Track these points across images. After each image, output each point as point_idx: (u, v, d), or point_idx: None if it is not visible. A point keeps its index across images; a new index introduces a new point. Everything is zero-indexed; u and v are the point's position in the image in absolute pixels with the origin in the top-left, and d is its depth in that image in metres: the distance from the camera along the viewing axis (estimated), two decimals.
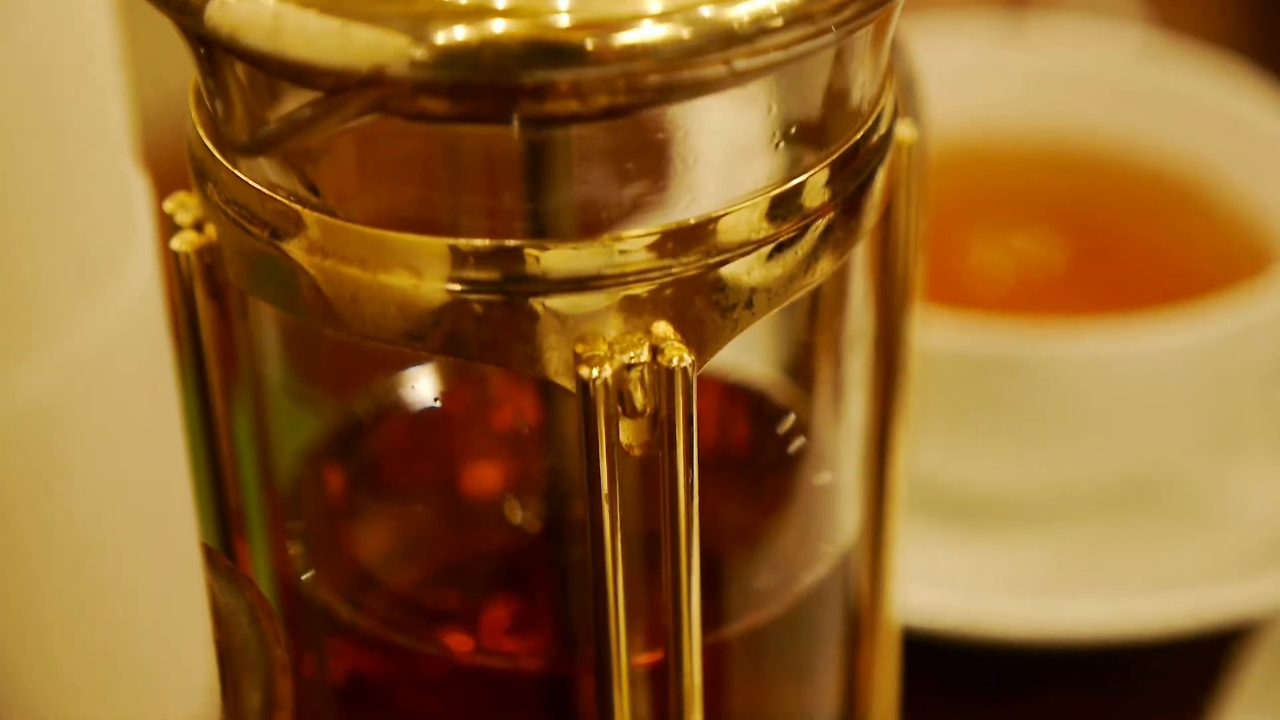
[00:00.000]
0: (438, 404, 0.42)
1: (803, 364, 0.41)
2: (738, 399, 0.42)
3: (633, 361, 0.32)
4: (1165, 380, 0.51)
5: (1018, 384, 0.50)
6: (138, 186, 0.27)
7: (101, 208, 0.25)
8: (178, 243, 0.34)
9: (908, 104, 0.38)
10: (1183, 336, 0.51)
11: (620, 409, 0.32)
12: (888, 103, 0.35)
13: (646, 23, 0.29)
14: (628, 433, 0.32)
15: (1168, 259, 0.57)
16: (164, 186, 0.32)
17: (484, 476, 0.42)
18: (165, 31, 0.32)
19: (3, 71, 0.23)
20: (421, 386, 0.41)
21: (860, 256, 0.38)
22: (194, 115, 0.34)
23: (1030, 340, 0.50)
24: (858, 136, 0.34)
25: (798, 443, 0.42)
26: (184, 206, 0.34)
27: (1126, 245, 0.57)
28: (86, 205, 0.25)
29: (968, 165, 0.59)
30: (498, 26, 0.29)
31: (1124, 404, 0.52)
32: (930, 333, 0.48)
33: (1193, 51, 0.63)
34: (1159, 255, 0.57)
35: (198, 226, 0.34)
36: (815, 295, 0.39)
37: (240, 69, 0.31)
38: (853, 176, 0.34)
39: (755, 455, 0.43)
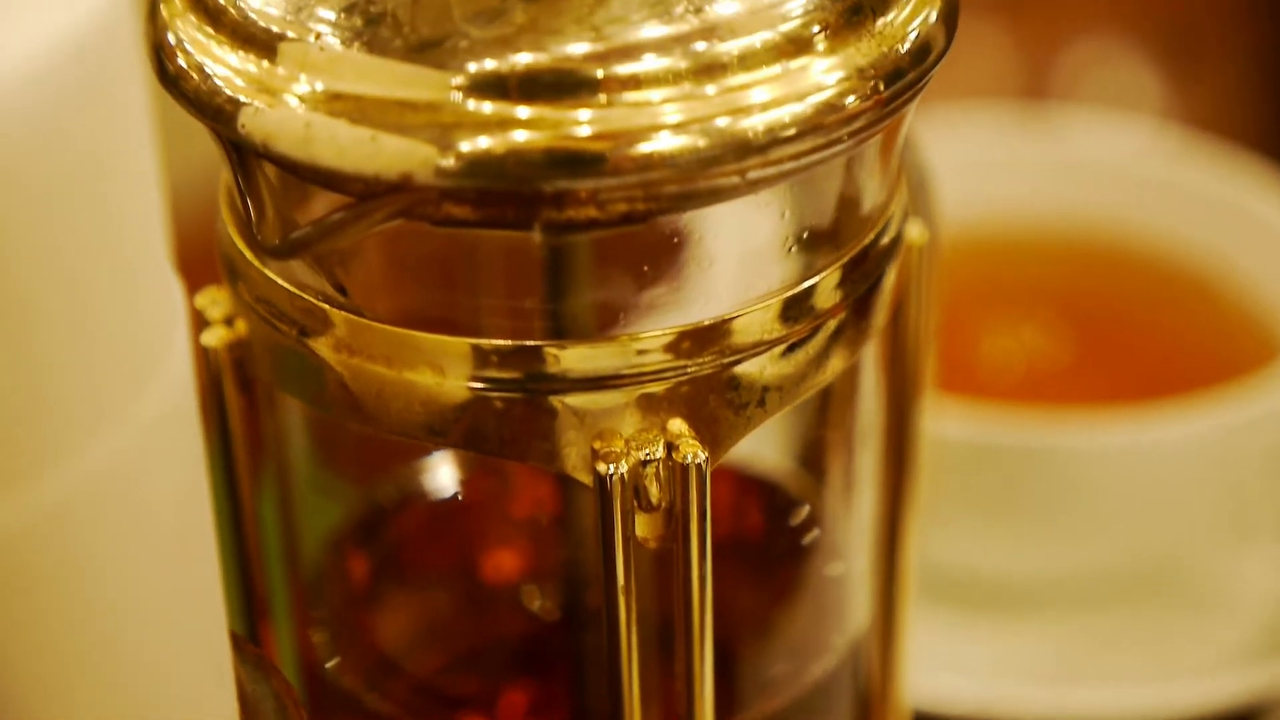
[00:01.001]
0: (458, 493, 0.43)
1: (815, 455, 0.42)
2: (751, 490, 0.43)
3: (648, 458, 0.33)
4: (1173, 470, 0.52)
5: (1028, 473, 0.51)
6: (176, 292, 0.28)
7: (144, 314, 0.26)
8: (208, 338, 0.35)
9: (919, 200, 0.39)
10: (1190, 427, 0.52)
11: (636, 503, 0.33)
12: (898, 205, 0.36)
13: (664, 134, 0.30)
14: (643, 526, 0.33)
15: (1176, 349, 0.58)
16: (188, 261, 0.33)
17: (503, 564, 0.43)
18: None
19: (50, 188, 0.24)
20: (443, 476, 0.42)
21: (872, 352, 0.39)
22: (225, 214, 0.35)
23: (1040, 430, 0.51)
24: (868, 240, 0.35)
25: (810, 534, 0.43)
26: (214, 302, 0.36)
27: (1135, 335, 0.58)
28: (130, 312, 0.26)
29: (980, 254, 0.60)
30: (520, 137, 0.30)
31: (1133, 493, 0.52)
32: (942, 421, 0.49)
33: (1202, 143, 0.64)
34: (1167, 345, 0.58)
35: (228, 321, 0.35)
36: (827, 390, 0.40)
37: (272, 173, 0.32)
38: (863, 278, 0.35)
39: (768, 546, 0.44)
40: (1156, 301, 0.59)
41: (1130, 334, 0.59)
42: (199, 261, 0.36)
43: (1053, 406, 0.53)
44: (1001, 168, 0.61)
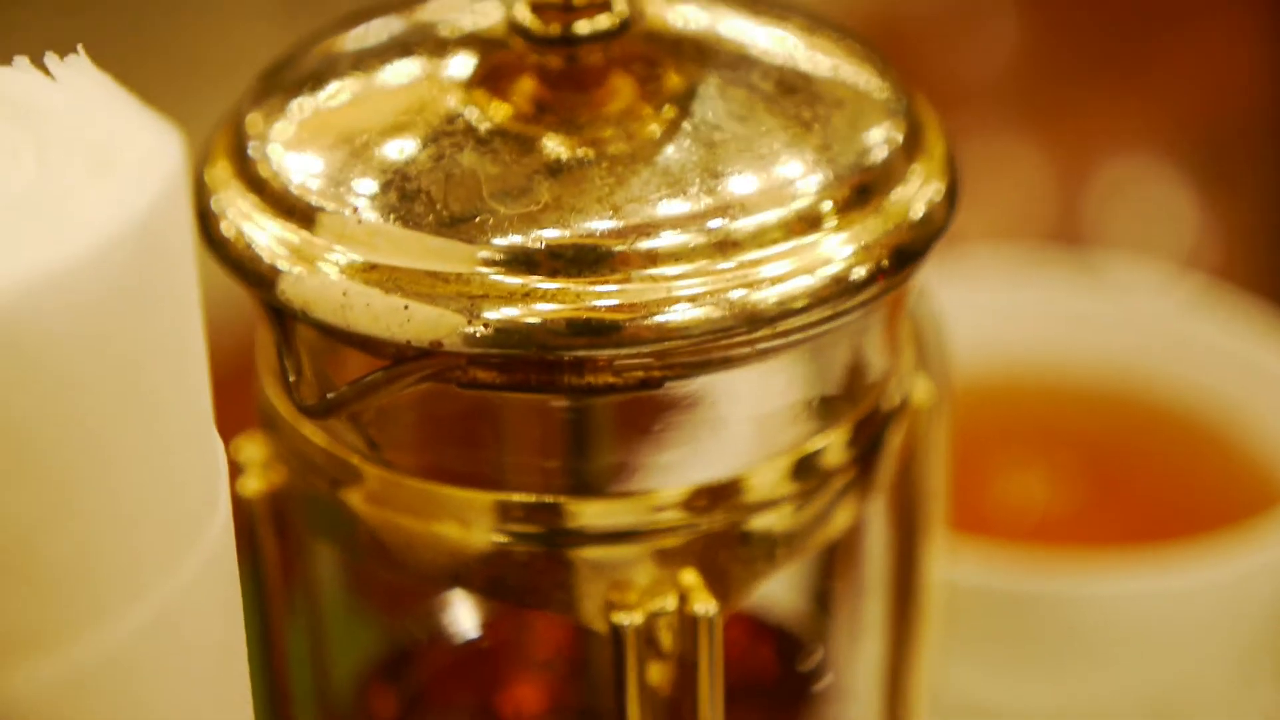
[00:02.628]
0: (482, 634, 0.44)
1: (826, 599, 0.44)
2: (763, 634, 0.44)
3: (661, 610, 0.34)
4: (1182, 616, 0.53)
5: (1038, 617, 0.52)
6: (219, 455, 0.30)
7: (189, 478, 0.28)
8: (245, 486, 0.37)
9: (931, 351, 0.41)
10: (1199, 574, 0.53)
11: (650, 652, 0.34)
12: (905, 365, 0.38)
13: (680, 306, 0.32)
14: (656, 673, 0.35)
15: (1186, 494, 0.59)
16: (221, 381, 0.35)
17: (523, 704, 0.44)
18: None
19: (106, 362, 0.26)
20: (467, 616, 0.44)
21: (880, 504, 0.41)
22: (262, 370, 0.37)
23: (1050, 576, 0.52)
24: (875, 401, 0.36)
25: (821, 678, 0.44)
26: (250, 452, 0.37)
27: (1147, 480, 0.60)
28: (175, 478, 0.28)
29: (996, 396, 0.61)
30: (543, 308, 0.32)
31: (1141, 637, 0.53)
32: (955, 565, 0.51)
33: (1215, 291, 0.66)
34: (1178, 490, 0.59)
35: (264, 470, 0.37)
36: (837, 540, 0.41)
37: (309, 336, 0.34)
38: (870, 438, 0.36)
39: (780, 690, 0.45)
40: (1168, 447, 0.60)
41: (1142, 479, 0.60)
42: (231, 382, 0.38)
43: (1065, 549, 0.54)
44: (1018, 312, 0.63)
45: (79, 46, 0.30)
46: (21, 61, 0.30)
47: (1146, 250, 0.84)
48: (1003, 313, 0.63)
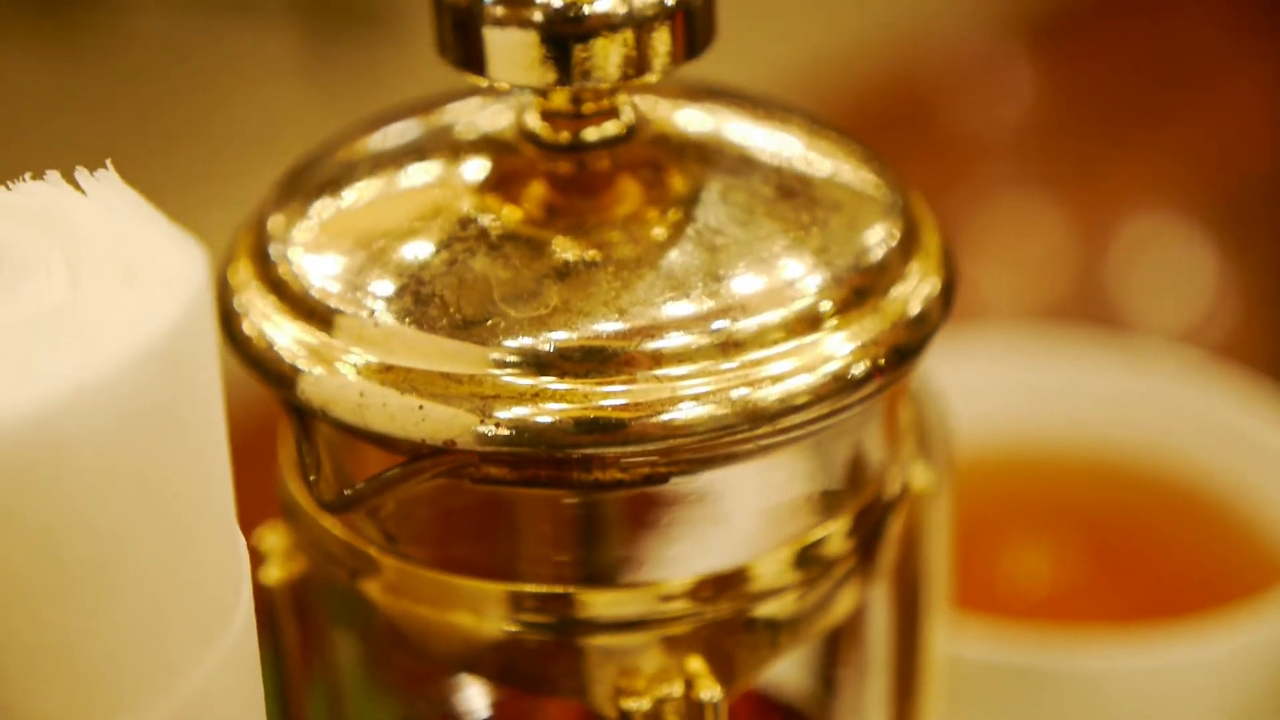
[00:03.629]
0: (494, 717, 0.45)
1: (831, 680, 0.45)
2: (770, 712, 0.45)
3: (669, 696, 0.35)
4: (1185, 691, 0.54)
5: (1043, 692, 0.53)
6: (242, 553, 0.31)
7: (211, 577, 0.29)
8: (266, 575, 0.38)
9: (932, 433, 0.42)
10: (1203, 650, 0.54)
11: None
12: (905, 453, 0.39)
13: (684, 404, 0.33)
14: None
15: (1190, 569, 0.60)
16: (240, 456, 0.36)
17: None
18: None
19: (135, 471, 0.27)
20: (480, 701, 0.45)
21: (883, 588, 0.42)
22: (284, 464, 0.38)
23: (1054, 652, 0.53)
24: (875, 491, 0.38)
25: None
26: (272, 541, 0.39)
27: (1151, 555, 0.61)
28: (199, 577, 0.29)
29: (1001, 472, 0.62)
30: (552, 407, 0.33)
31: (1146, 714, 0.54)
32: (960, 640, 0.52)
33: (1221, 366, 0.67)
34: (1182, 565, 0.60)
35: (285, 560, 0.38)
36: (840, 625, 0.42)
37: (328, 433, 0.35)
38: (872, 526, 0.38)
39: None
40: (1173, 523, 0.61)
41: (1147, 554, 0.61)
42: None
43: (1070, 625, 0.55)
44: (1024, 387, 0.64)
45: (108, 161, 0.31)
46: (54, 175, 0.31)
47: (1163, 310, 0.85)
48: (1009, 388, 0.64)
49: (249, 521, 0.33)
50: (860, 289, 0.35)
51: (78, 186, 0.31)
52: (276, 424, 0.38)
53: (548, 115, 0.36)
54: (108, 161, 0.31)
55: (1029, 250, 0.90)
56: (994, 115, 1.05)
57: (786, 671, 0.44)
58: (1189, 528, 0.61)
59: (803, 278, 0.34)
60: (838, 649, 0.43)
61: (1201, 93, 1.03)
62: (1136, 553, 0.61)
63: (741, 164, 0.36)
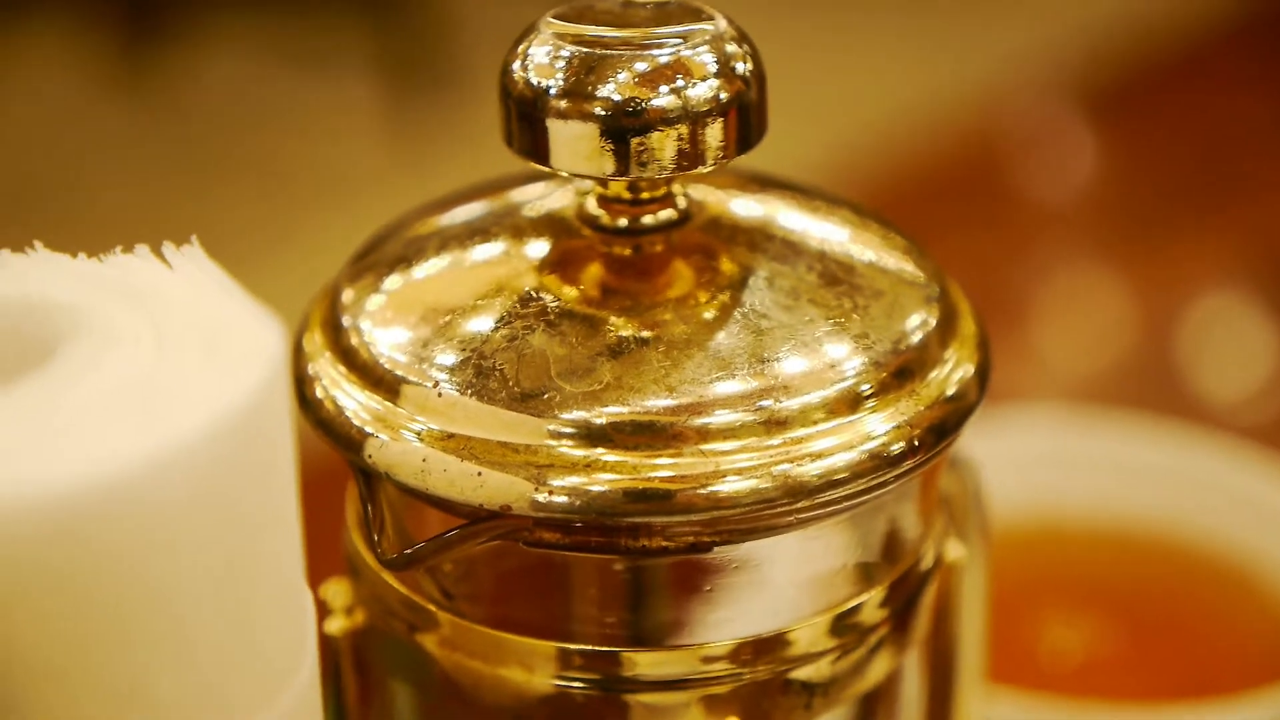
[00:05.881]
0: None
1: None
2: None
3: None
4: None
5: None
6: (309, 605, 0.33)
7: (283, 629, 0.32)
8: (331, 626, 0.40)
9: (969, 506, 0.44)
10: None
11: None
12: (939, 527, 0.41)
13: (729, 478, 0.35)
14: None
15: (1226, 648, 0.61)
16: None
17: None
18: None
19: (217, 536, 0.29)
20: None
21: (916, 655, 0.44)
22: (350, 523, 0.40)
23: None
24: (911, 561, 0.39)
25: None
26: (336, 595, 0.41)
27: (1188, 633, 0.62)
28: (273, 630, 0.31)
29: (1038, 546, 0.64)
30: (603, 477, 0.35)
31: None
32: (993, 710, 0.53)
33: (1266, 451, 0.68)
34: (1218, 645, 0.62)
35: (348, 613, 0.40)
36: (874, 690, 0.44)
37: (392, 494, 0.37)
38: (906, 596, 0.39)
39: None
40: (1208, 601, 0.63)
41: (1181, 631, 0.62)
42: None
43: (1102, 699, 0.57)
44: (1067, 464, 0.65)
45: (193, 238, 0.34)
46: (143, 250, 0.33)
47: (1221, 389, 0.86)
48: (1053, 463, 0.66)
49: (317, 574, 0.35)
50: (899, 372, 0.37)
51: (165, 260, 0.33)
52: (344, 483, 0.40)
53: (606, 201, 0.38)
54: (193, 238, 0.34)
55: (1090, 320, 0.91)
56: (1059, 186, 1.07)
57: None
58: (1225, 606, 0.63)
59: (844, 360, 0.36)
60: (872, 714, 0.45)
61: (1268, 171, 1.05)
62: (1172, 630, 0.62)
63: (788, 251, 0.38)
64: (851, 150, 1.05)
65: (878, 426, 0.36)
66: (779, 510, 0.36)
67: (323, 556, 0.39)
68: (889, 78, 1.21)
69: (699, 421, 0.35)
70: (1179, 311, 0.92)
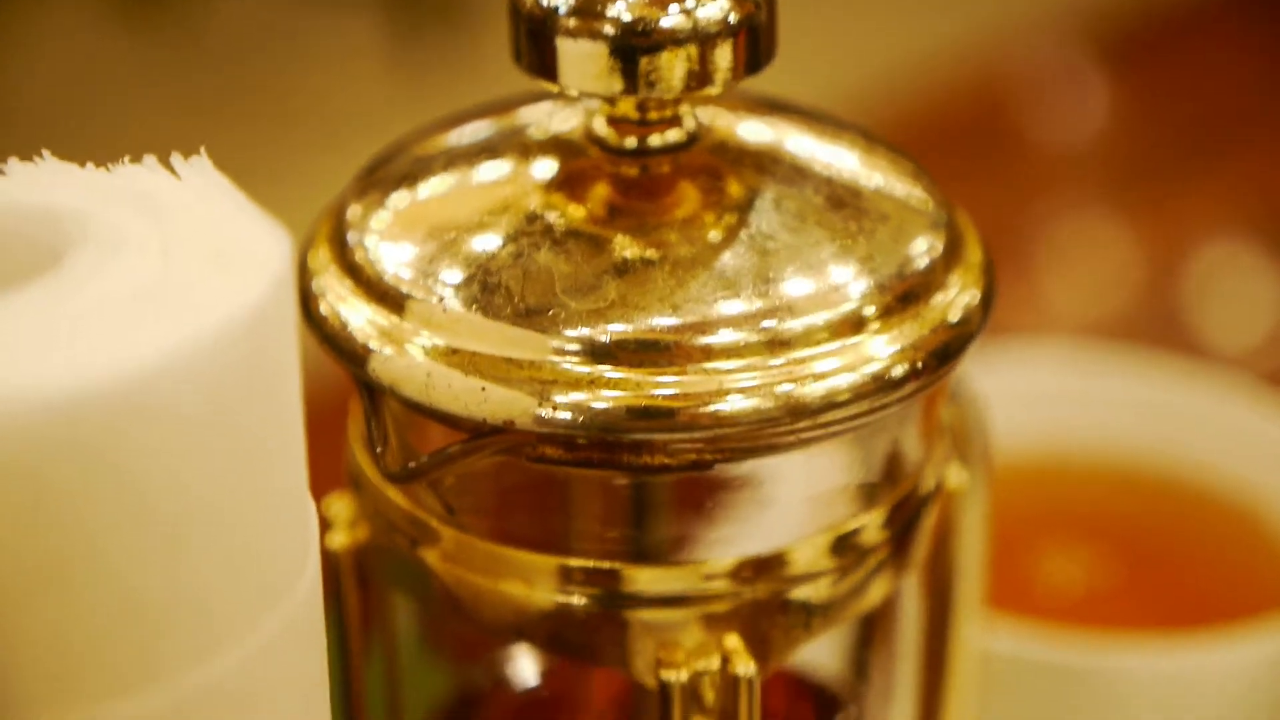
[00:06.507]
0: (542, 684, 0.48)
1: (863, 665, 0.47)
2: (803, 692, 0.47)
3: (705, 669, 0.37)
4: (1211, 694, 0.56)
5: (1071, 689, 0.55)
6: (311, 513, 0.33)
7: (283, 539, 0.32)
8: (333, 541, 0.41)
9: (971, 435, 0.44)
10: (1232, 655, 0.55)
11: (694, 706, 0.38)
12: (941, 452, 0.41)
13: (731, 397, 0.35)
14: None
15: (1223, 578, 0.62)
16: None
17: None
18: None
19: (220, 441, 0.29)
20: (529, 668, 0.47)
21: (915, 579, 0.44)
22: (353, 437, 0.40)
23: (1085, 651, 0.55)
24: (912, 485, 0.40)
25: None
26: (339, 510, 0.41)
27: (1185, 564, 0.62)
28: (271, 538, 0.31)
29: (1041, 479, 0.64)
30: (607, 394, 0.35)
31: (1179, 715, 0.56)
32: (991, 636, 0.54)
33: (1270, 392, 0.68)
34: (1215, 574, 0.62)
35: (350, 527, 0.41)
36: (873, 612, 0.44)
37: (396, 409, 0.38)
38: (906, 518, 0.40)
39: None
40: (1207, 533, 0.63)
41: (1180, 562, 0.63)
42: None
43: (1102, 629, 0.57)
44: (1074, 400, 0.66)
45: (201, 149, 0.34)
46: (151, 160, 0.33)
47: (1225, 332, 0.86)
48: (1061, 398, 0.66)
49: (318, 490, 0.35)
50: (903, 295, 0.37)
51: (173, 171, 0.33)
52: (347, 397, 0.40)
53: (614, 121, 0.38)
54: (202, 149, 0.34)
55: (1096, 265, 0.92)
56: (1069, 131, 1.07)
57: (820, 655, 0.46)
58: (1226, 541, 0.63)
59: (849, 283, 0.37)
60: (870, 635, 0.45)
61: (1274, 121, 1.04)
62: (1172, 563, 0.63)
63: (795, 174, 0.39)
64: (859, 95, 1.05)
65: (881, 349, 0.36)
66: (781, 430, 0.36)
67: (326, 476, 0.40)
68: (896, 23, 1.21)
69: (703, 340, 0.35)
70: (1184, 258, 0.92)
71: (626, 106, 0.38)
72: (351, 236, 0.38)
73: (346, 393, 0.40)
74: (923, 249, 0.38)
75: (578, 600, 0.38)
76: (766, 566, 0.38)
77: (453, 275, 0.36)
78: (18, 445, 0.27)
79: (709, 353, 0.35)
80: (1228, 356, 0.82)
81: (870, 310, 0.37)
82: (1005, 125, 1.06)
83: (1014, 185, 0.97)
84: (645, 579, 0.37)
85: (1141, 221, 0.95)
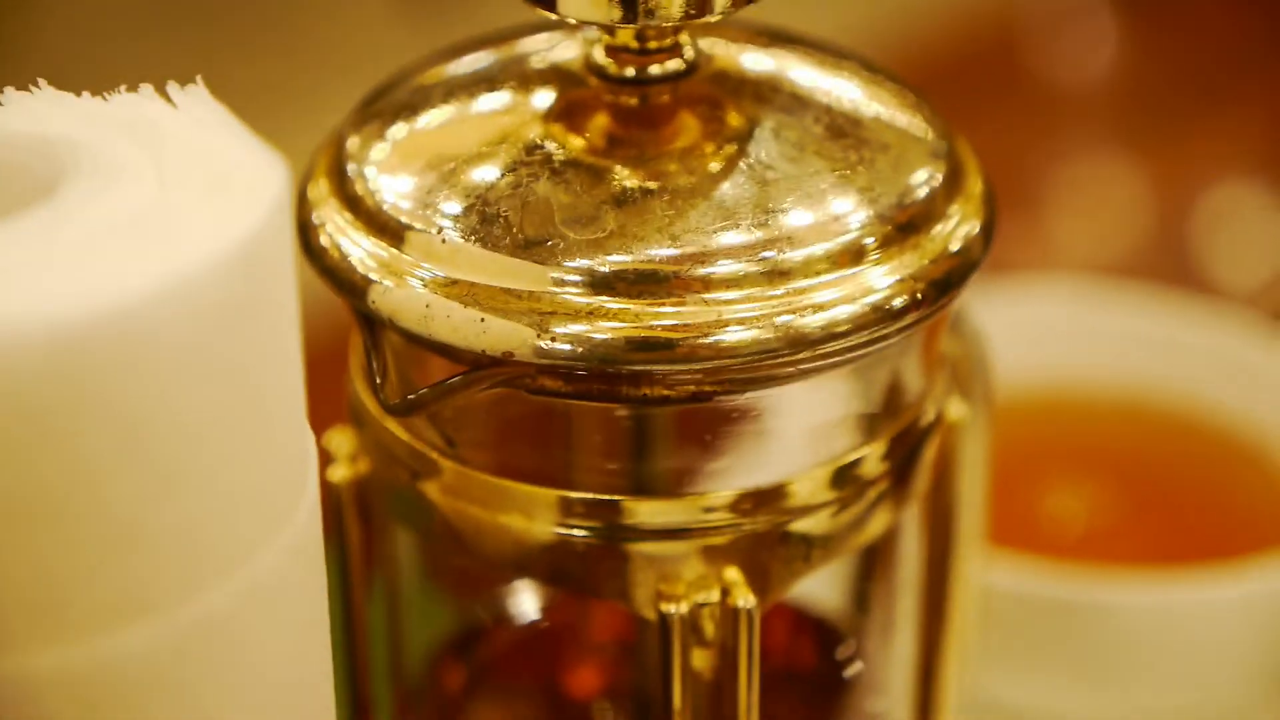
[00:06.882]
0: (544, 616, 0.48)
1: (863, 598, 0.47)
2: (803, 625, 0.48)
3: (705, 601, 0.37)
4: (1217, 629, 0.56)
5: (1071, 624, 0.55)
6: (310, 446, 0.33)
7: (282, 465, 0.32)
8: (334, 474, 0.41)
9: (972, 369, 0.44)
10: (1235, 589, 0.55)
11: (694, 639, 0.38)
12: (941, 385, 0.41)
13: (730, 328, 0.35)
14: (699, 659, 0.38)
15: (1226, 513, 0.62)
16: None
17: (582, 682, 0.48)
18: None
19: (217, 370, 0.29)
20: (531, 600, 0.47)
21: (916, 512, 0.44)
22: (354, 368, 0.40)
23: (1087, 586, 0.55)
24: (912, 417, 0.40)
25: (854, 668, 0.47)
26: (339, 443, 0.41)
27: (1188, 499, 0.62)
28: (271, 463, 0.31)
29: (1044, 415, 0.64)
30: (606, 325, 0.35)
31: (1176, 650, 0.56)
32: (992, 571, 0.54)
33: (1256, 321, 0.68)
34: (1217, 509, 0.62)
35: (351, 460, 0.41)
36: (873, 544, 0.44)
37: (395, 341, 0.37)
38: (906, 451, 0.40)
39: (815, 677, 0.48)
40: (1210, 468, 0.63)
41: (1183, 498, 0.63)
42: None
43: (1104, 564, 0.57)
44: (1069, 336, 0.66)
45: (199, 78, 0.33)
46: (147, 89, 0.33)
47: (1233, 271, 0.86)
48: (1067, 334, 0.66)
49: (319, 424, 0.35)
50: (903, 226, 0.37)
51: (169, 99, 0.33)
52: (347, 333, 0.40)
53: (613, 51, 0.38)
54: (198, 78, 0.33)
55: (1107, 204, 0.91)
56: (1082, 69, 1.06)
57: (821, 588, 0.46)
58: (1230, 477, 0.63)
59: (848, 213, 0.36)
60: (870, 568, 0.45)
61: None
62: (1177, 499, 0.63)
63: (795, 104, 0.38)
64: (869, 30, 1.05)
65: (880, 279, 0.36)
66: (780, 360, 0.36)
67: (327, 411, 0.40)
68: None
69: (702, 271, 0.35)
70: (1193, 196, 0.92)
71: (626, 35, 0.38)
72: (351, 168, 0.38)
73: (347, 328, 0.40)
74: (923, 179, 0.38)
75: (578, 533, 0.38)
76: (766, 499, 0.38)
77: (452, 206, 0.36)
78: (8, 373, 0.27)
79: (708, 283, 0.35)
80: (1235, 294, 0.82)
81: (870, 240, 0.36)
82: (1018, 63, 1.06)
83: (1026, 123, 0.96)
84: (645, 511, 0.37)
85: (1152, 159, 0.95)
